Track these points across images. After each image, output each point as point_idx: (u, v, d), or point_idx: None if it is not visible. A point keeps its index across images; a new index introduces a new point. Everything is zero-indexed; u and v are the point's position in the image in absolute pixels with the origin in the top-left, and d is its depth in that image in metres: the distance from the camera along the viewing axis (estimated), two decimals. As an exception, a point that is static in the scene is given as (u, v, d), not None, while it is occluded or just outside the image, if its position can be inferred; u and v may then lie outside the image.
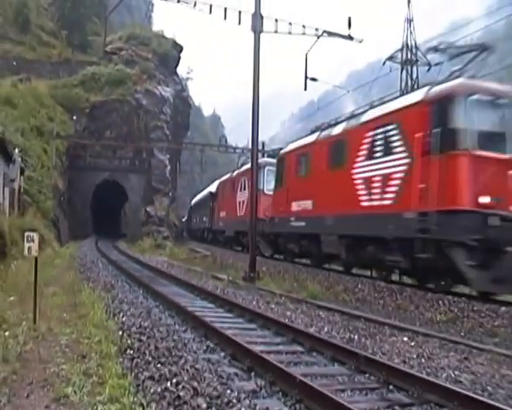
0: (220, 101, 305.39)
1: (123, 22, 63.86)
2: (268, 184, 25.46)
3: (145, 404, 4.53)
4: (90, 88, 46.87)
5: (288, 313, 10.84)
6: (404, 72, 41.41)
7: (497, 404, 4.98)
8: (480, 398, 5.16)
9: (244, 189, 29.42)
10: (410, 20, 43.39)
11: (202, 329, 8.28)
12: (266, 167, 26.14)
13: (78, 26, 54.26)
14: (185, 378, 5.36)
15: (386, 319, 10.72)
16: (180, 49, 57.51)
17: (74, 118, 44.49)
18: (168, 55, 53.87)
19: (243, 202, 29.04)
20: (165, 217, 45.51)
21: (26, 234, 7.93)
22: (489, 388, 5.99)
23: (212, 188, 41.57)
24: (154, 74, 50.14)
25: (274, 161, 24.82)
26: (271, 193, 23.75)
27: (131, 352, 6.43)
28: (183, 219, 60.14)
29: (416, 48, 41.10)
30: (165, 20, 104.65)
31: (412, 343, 8.54)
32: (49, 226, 30.26)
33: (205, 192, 47.70)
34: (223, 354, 6.97)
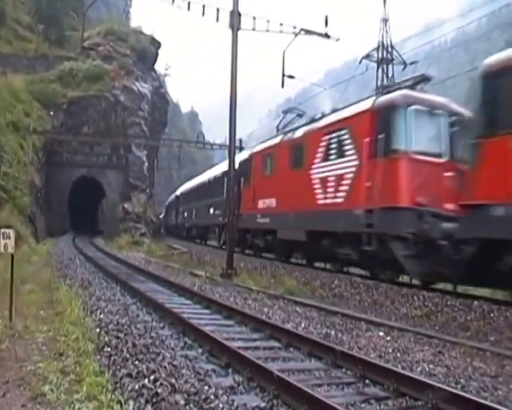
0: (198, 98, 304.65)
1: (101, 18, 62.93)
2: (418, 140, 13.50)
3: (123, 401, 4.53)
4: (68, 83, 46.30)
5: (266, 309, 10.91)
6: (380, 70, 41.70)
7: (469, 396, 5.11)
8: (454, 390, 5.28)
9: (334, 157, 16.37)
10: (385, 20, 43.74)
11: (180, 325, 8.29)
12: (411, 107, 13.64)
13: (55, 21, 53.53)
14: (163, 375, 5.37)
15: (362, 315, 10.87)
16: (158, 45, 57.15)
17: (51, 113, 43.91)
18: (146, 51, 53.48)
19: (335, 179, 16.00)
20: (143, 214, 45.21)
21: (2, 231, 7.86)
22: (462, 380, 6.12)
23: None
24: (131, 70, 49.72)
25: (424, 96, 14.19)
26: (429, 159, 13.42)
27: (109, 349, 6.43)
28: (161, 216, 59.79)
29: (392, 47, 41.49)
30: (144, 17, 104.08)
31: (388, 338, 8.68)
32: (26, 223, 29.91)
33: (210, 174, 36.39)
34: (200, 350, 7.00)
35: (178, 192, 50.73)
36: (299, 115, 22.95)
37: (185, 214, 43.60)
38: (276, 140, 21.44)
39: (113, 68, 48.64)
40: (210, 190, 33.82)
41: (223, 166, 30.24)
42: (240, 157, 24.64)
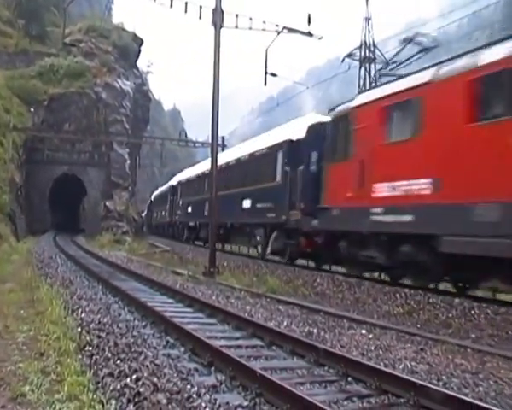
0: (180, 95, 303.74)
1: (82, 14, 62.39)
2: None
3: (104, 401, 4.49)
4: (49, 80, 45.86)
5: (248, 308, 10.90)
6: (363, 69, 41.87)
7: (451, 393, 5.16)
8: (436, 387, 5.31)
9: None
10: (368, 19, 43.91)
11: (162, 324, 8.25)
12: None
13: (35, 16, 52.96)
14: (145, 374, 5.33)
15: (344, 313, 10.92)
16: (140, 42, 56.90)
17: (32, 110, 43.50)
18: (128, 48, 53.21)
19: None
20: (125, 212, 44.98)
21: (-18, 230, 7.77)
22: (444, 377, 6.16)
23: (288, 134, 19.25)
24: (113, 67, 49.43)
25: None
26: None
27: (90, 349, 6.36)
28: (143, 214, 59.50)
29: (375, 46, 41.67)
30: (126, 13, 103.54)
31: (370, 336, 8.72)
32: (6, 221, 29.64)
33: (238, 151, 26.19)
34: (183, 349, 6.96)
35: (175, 181, 41.25)
36: (425, 50, 14.57)
37: (189, 210, 33.76)
38: (422, 77, 12.27)
39: (94, 65, 48.32)
40: (255, 170, 22.11)
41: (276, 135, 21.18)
42: (307, 120, 18.36)
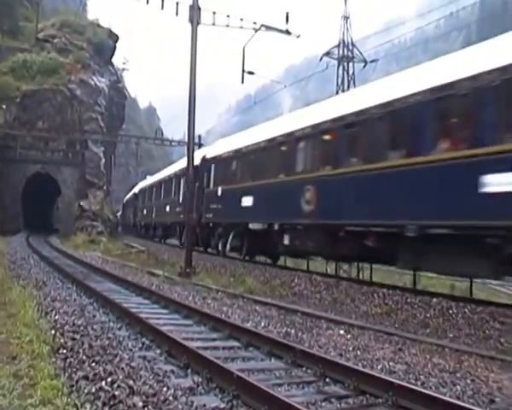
0: (157, 93, 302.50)
1: (56, 8, 61.61)
2: None
3: (79, 405, 4.42)
4: (21, 76, 45.20)
5: (225, 309, 10.87)
6: (341, 68, 42.00)
7: (428, 392, 5.19)
8: (414, 387, 5.35)
9: None
10: (346, 18, 43.99)
11: (138, 326, 8.16)
12: None
13: (7, 11, 52.02)
14: (120, 377, 5.28)
15: (322, 313, 10.95)
16: (116, 38, 56.44)
17: (4, 107, 42.87)
18: (103, 44, 52.76)
19: None
20: (100, 211, 44.58)
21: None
22: (422, 377, 6.22)
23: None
24: (88, 64, 48.92)
25: None
26: None
27: (64, 351, 6.27)
28: (118, 214, 59.05)
29: (353, 45, 41.85)
30: (101, 9, 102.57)
31: (348, 336, 8.75)
32: (-23, 221, 29.14)
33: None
34: (159, 350, 6.89)
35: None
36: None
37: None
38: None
39: (69, 61, 47.75)
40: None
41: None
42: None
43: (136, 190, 50.45)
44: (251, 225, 19.14)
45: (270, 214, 17.98)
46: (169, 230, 32.89)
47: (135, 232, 46.56)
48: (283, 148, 17.87)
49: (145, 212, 42.46)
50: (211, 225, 23.36)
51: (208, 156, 24.69)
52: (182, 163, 29.23)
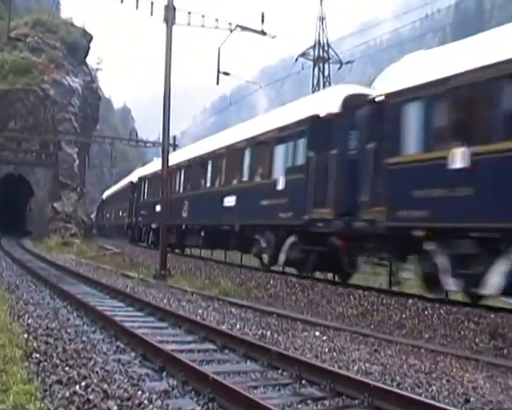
0: (131, 93, 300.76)
1: (29, 7, 60.76)
2: None
3: (52, 410, 4.36)
4: (-7, 76, 44.61)
5: (200, 311, 10.84)
6: (317, 69, 42.07)
7: (404, 393, 5.24)
8: (389, 388, 5.40)
9: None
10: (322, 19, 44.05)
11: (112, 329, 8.09)
12: None
13: (-22, 8, 51.37)
14: (95, 381, 5.23)
15: (298, 315, 10.97)
16: (90, 38, 55.91)
17: (-26, 107, 42.22)
18: (77, 44, 52.22)
19: None
20: (74, 213, 44.11)
21: None
22: (397, 378, 6.25)
23: None
24: (62, 64, 48.33)
25: None
26: None
27: (38, 355, 6.18)
28: (92, 215, 58.55)
29: (328, 46, 41.99)
30: (75, 8, 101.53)
31: (324, 338, 8.77)
32: None
33: None
34: (133, 354, 6.85)
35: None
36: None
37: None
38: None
39: (41, 61, 47.11)
40: None
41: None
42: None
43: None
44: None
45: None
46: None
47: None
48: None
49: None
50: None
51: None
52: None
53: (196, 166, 24.43)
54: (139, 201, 34.44)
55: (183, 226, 24.81)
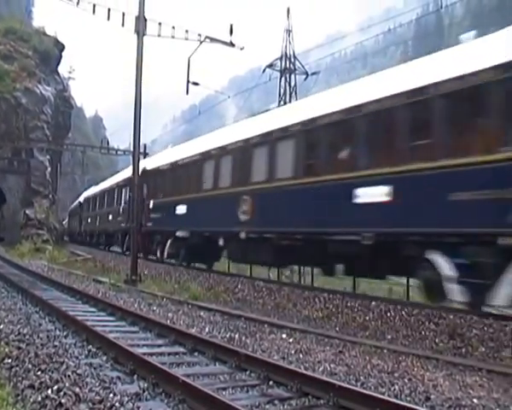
0: (103, 102, 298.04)
1: (0, 15, 60.08)
2: None
3: (25, 414, 4.42)
4: (-36, 83, 43.96)
5: (170, 315, 10.93)
6: (283, 79, 42.39)
7: (368, 392, 5.43)
8: (354, 388, 5.57)
9: None
10: (289, 31, 44.32)
11: (84, 333, 8.16)
12: None
13: (-51, 16, 50.66)
14: (67, 384, 5.30)
15: (265, 318, 11.10)
16: (62, 47, 55.32)
17: None
18: (49, 53, 51.61)
19: None
20: (46, 220, 43.66)
21: None
22: (362, 378, 6.41)
23: None
24: (34, 72, 47.75)
25: None
26: None
27: (10, 361, 6.25)
28: (64, 222, 57.93)
29: (295, 57, 42.30)
30: (47, 17, 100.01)
31: (290, 340, 8.91)
32: None
33: None
34: (105, 357, 6.93)
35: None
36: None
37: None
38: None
39: (14, 69, 46.58)
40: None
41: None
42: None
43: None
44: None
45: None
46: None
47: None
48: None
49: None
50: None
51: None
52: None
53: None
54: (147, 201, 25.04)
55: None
